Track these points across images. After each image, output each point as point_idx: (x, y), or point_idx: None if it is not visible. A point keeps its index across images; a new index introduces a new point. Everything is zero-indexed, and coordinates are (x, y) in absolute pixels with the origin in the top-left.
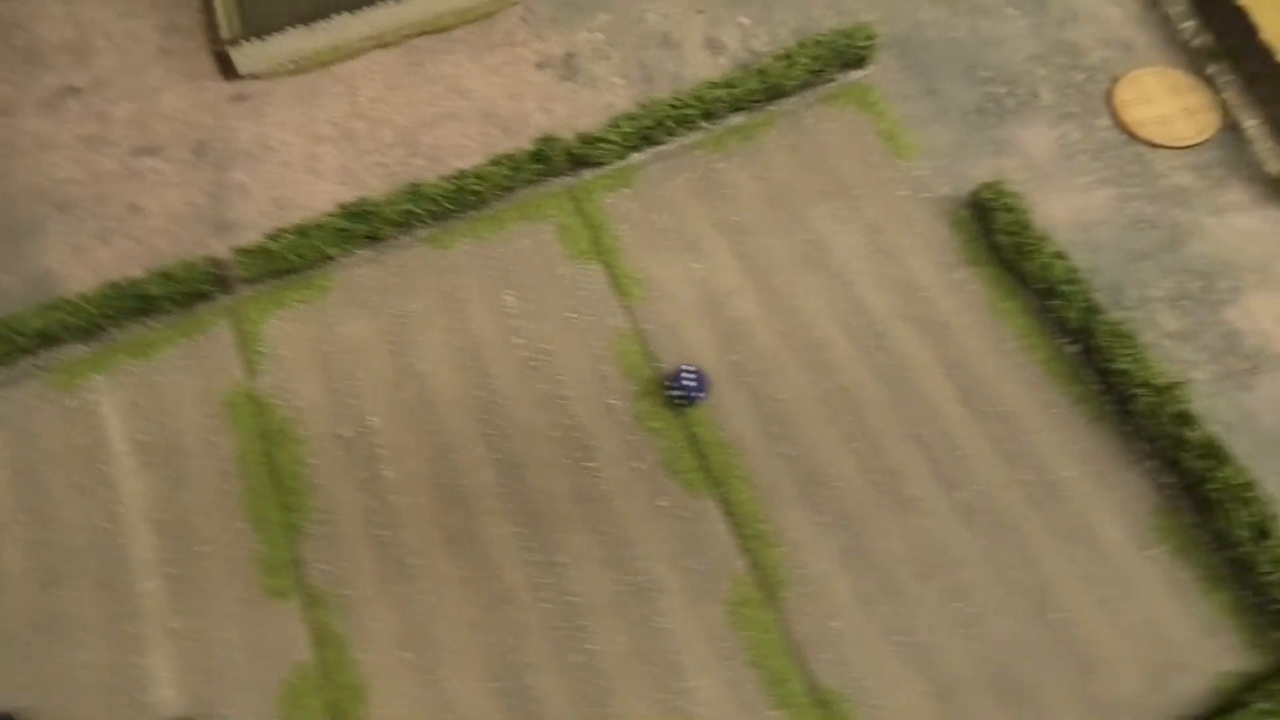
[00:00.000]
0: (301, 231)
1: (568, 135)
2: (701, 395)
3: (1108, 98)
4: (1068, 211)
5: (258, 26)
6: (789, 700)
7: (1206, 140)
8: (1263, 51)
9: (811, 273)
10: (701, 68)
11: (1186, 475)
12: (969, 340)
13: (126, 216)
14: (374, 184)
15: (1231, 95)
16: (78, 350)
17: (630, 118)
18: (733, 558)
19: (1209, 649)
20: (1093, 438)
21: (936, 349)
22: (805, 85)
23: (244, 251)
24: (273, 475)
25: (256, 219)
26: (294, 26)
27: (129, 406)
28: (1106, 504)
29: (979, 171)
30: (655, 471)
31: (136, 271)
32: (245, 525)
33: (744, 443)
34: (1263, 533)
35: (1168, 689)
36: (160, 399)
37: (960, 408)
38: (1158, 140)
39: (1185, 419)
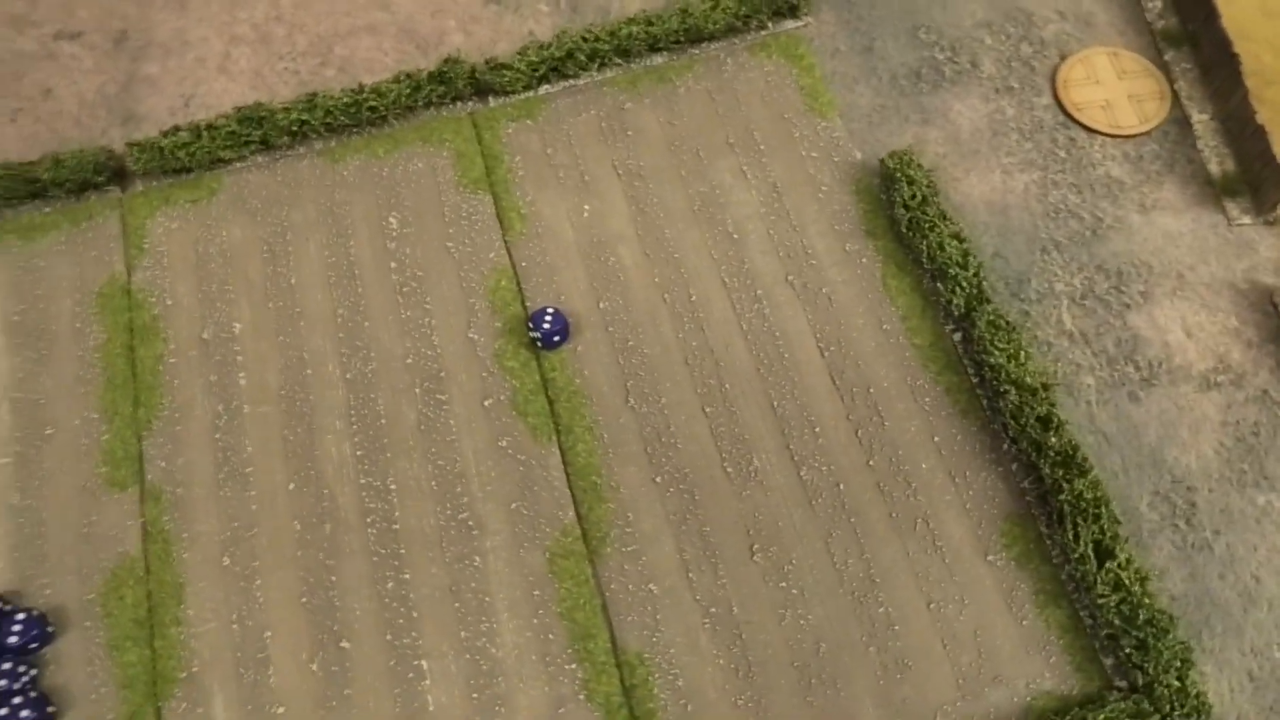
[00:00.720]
0: (195, 131)
1: (478, 59)
2: (561, 340)
3: (1053, 75)
4: (985, 191)
5: None
6: (591, 657)
7: (1150, 130)
8: (1221, 39)
9: (703, 227)
10: (631, 3)
11: (1042, 483)
12: (850, 315)
13: (37, 99)
14: (282, 90)
15: (1185, 85)
16: None
17: (541, 47)
18: (563, 507)
19: (1031, 666)
20: (956, 431)
21: (815, 320)
22: (732, 30)
23: (137, 146)
24: (132, 369)
25: (163, 114)
26: None
27: (8, 286)
28: (957, 502)
29: (898, 139)
30: (503, 411)
31: (38, 153)
32: (96, 415)
33: (597, 392)
34: (1105, 553)
35: (980, 701)
36: (39, 282)
37: (826, 383)
38: (1097, 125)
39: (1049, 423)
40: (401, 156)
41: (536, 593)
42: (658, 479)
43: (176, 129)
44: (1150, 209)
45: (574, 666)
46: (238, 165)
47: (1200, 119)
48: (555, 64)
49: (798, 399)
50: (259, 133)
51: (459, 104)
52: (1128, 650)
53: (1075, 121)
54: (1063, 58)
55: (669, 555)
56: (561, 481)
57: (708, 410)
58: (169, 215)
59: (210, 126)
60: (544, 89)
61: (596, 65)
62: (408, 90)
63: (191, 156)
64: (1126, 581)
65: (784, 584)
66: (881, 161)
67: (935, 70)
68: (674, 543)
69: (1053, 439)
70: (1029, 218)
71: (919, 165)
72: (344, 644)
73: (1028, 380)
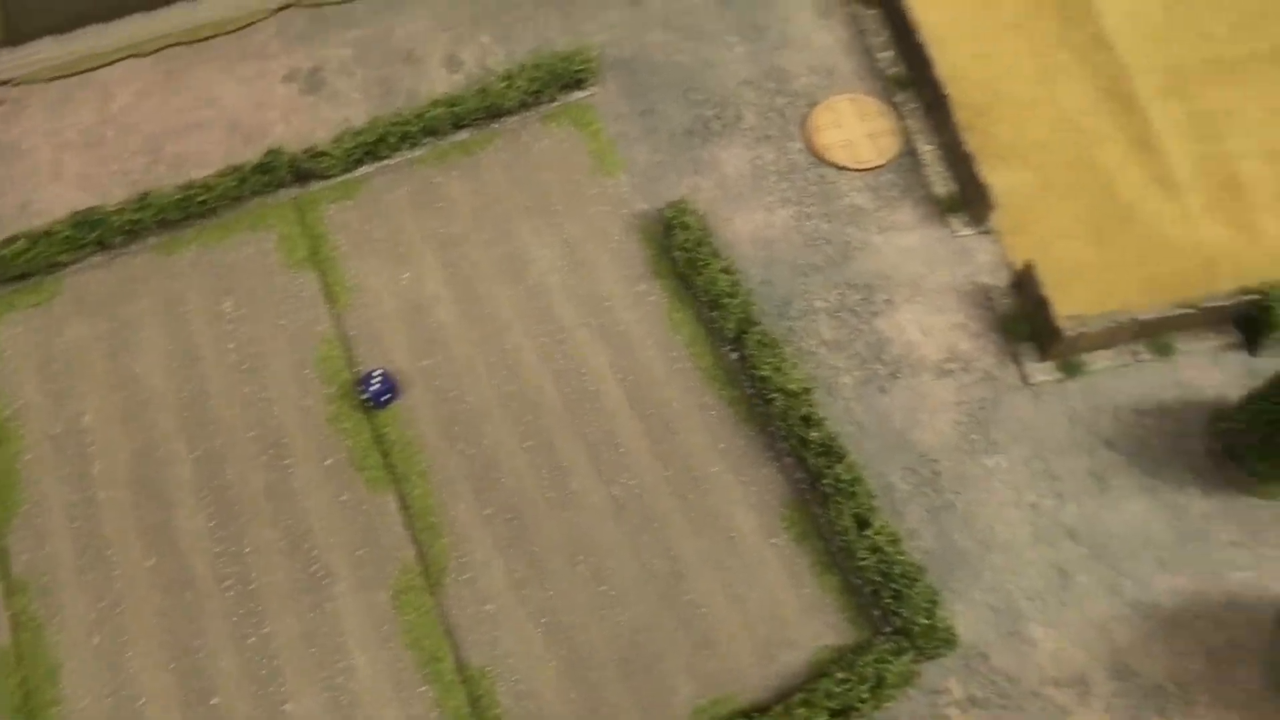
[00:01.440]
0: (32, 239)
1: (300, 148)
2: (390, 397)
3: (804, 122)
4: (751, 228)
5: (16, 34)
6: (440, 677)
7: (885, 163)
8: (936, 82)
9: (510, 283)
10: (438, 84)
11: (809, 471)
12: (642, 348)
13: None
14: (115, 191)
15: (913, 122)
16: None
17: (356, 133)
18: (403, 548)
19: (814, 626)
20: (738, 437)
21: (613, 355)
22: (526, 104)
23: None
24: None
25: (0, 223)
26: (52, 34)
27: None
28: (743, 497)
29: (677, 189)
30: (342, 468)
31: None
32: None
33: (427, 441)
34: (863, 523)
35: (775, 663)
36: None
37: (627, 409)
38: (842, 162)
39: (810, 421)
40: (232, 244)
41: (385, 627)
42: (487, 511)
43: (14, 238)
44: (889, 230)
45: (425, 688)
46: (76, 267)
47: (926, 149)
48: (369, 147)
49: (603, 426)
50: (94, 234)
51: (283, 190)
52: (887, 600)
53: (824, 161)
54: (811, 106)
55: (502, 577)
56: (400, 525)
57: (526, 445)
58: (12, 321)
59: (47, 233)
60: (361, 170)
61: (407, 145)
62: (234, 182)
63: (30, 263)
64: (881, 544)
65: (603, 588)
66: (661, 211)
67: (705, 126)
68: (505, 565)
69: (814, 434)
70: (789, 247)
71: (693, 211)
72: (214, 700)
73: (791, 387)
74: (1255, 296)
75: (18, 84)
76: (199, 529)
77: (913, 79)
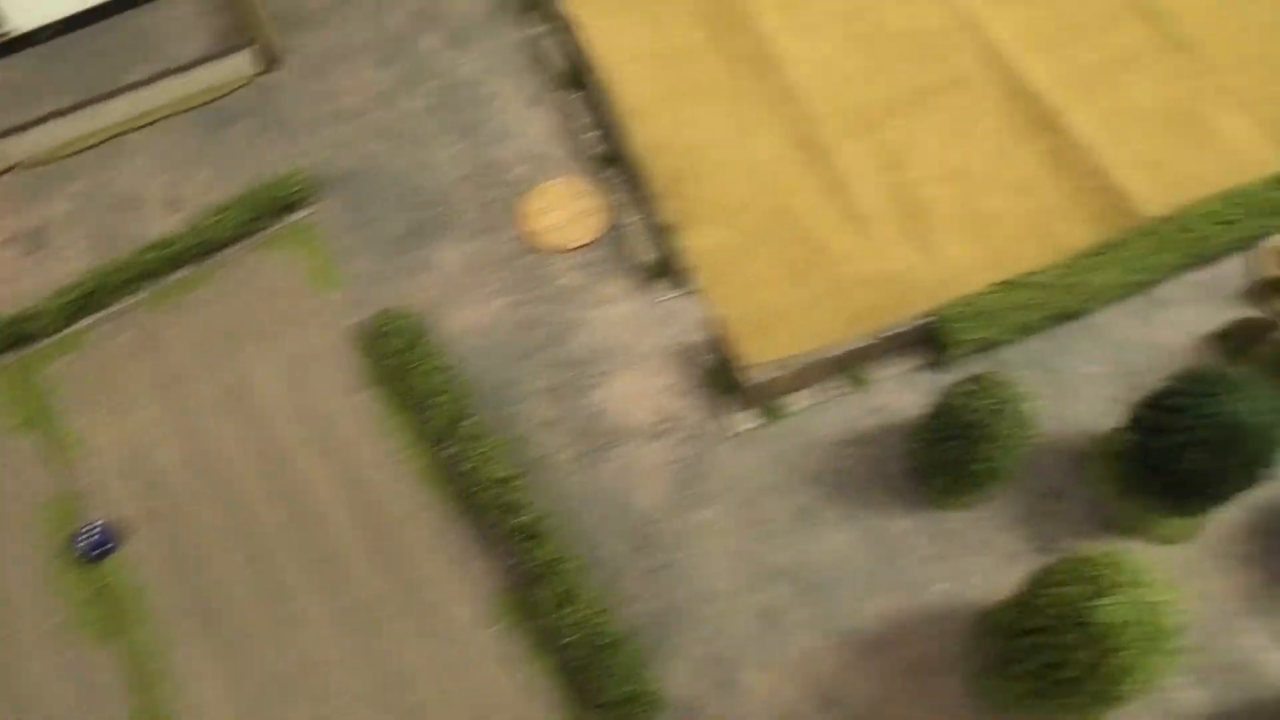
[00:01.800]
0: None
1: (18, 309)
2: (110, 547)
3: (518, 210)
4: (469, 321)
5: None
6: None
7: (595, 241)
8: (634, 157)
9: (232, 414)
10: (161, 225)
11: (519, 556)
12: (361, 456)
13: None
14: None
15: (620, 196)
16: None
17: (71, 287)
18: (123, 699)
19: (531, 711)
20: (454, 533)
21: (334, 469)
22: (243, 234)
23: None
24: None
25: None
26: None
27: None
28: (460, 591)
29: (396, 294)
30: (65, 626)
31: None
32: None
33: (153, 585)
34: (565, 601)
35: None
36: None
37: (348, 520)
38: (553, 245)
39: (513, 507)
40: None
41: None
42: (212, 645)
43: None
44: (600, 304)
45: None
46: None
47: (632, 222)
48: (85, 300)
49: (325, 542)
50: None
51: (4, 355)
52: (594, 673)
53: (537, 246)
54: (526, 194)
55: (229, 713)
56: (122, 676)
57: (251, 573)
58: None
59: None
60: (82, 322)
61: (127, 292)
62: None
63: None
64: (586, 618)
65: (327, 708)
66: (373, 319)
67: (423, 228)
68: (231, 701)
69: (518, 519)
70: (504, 335)
71: (403, 316)
72: None
73: (498, 475)
74: (931, 318)
75: None
76: None
77: (616, 155)
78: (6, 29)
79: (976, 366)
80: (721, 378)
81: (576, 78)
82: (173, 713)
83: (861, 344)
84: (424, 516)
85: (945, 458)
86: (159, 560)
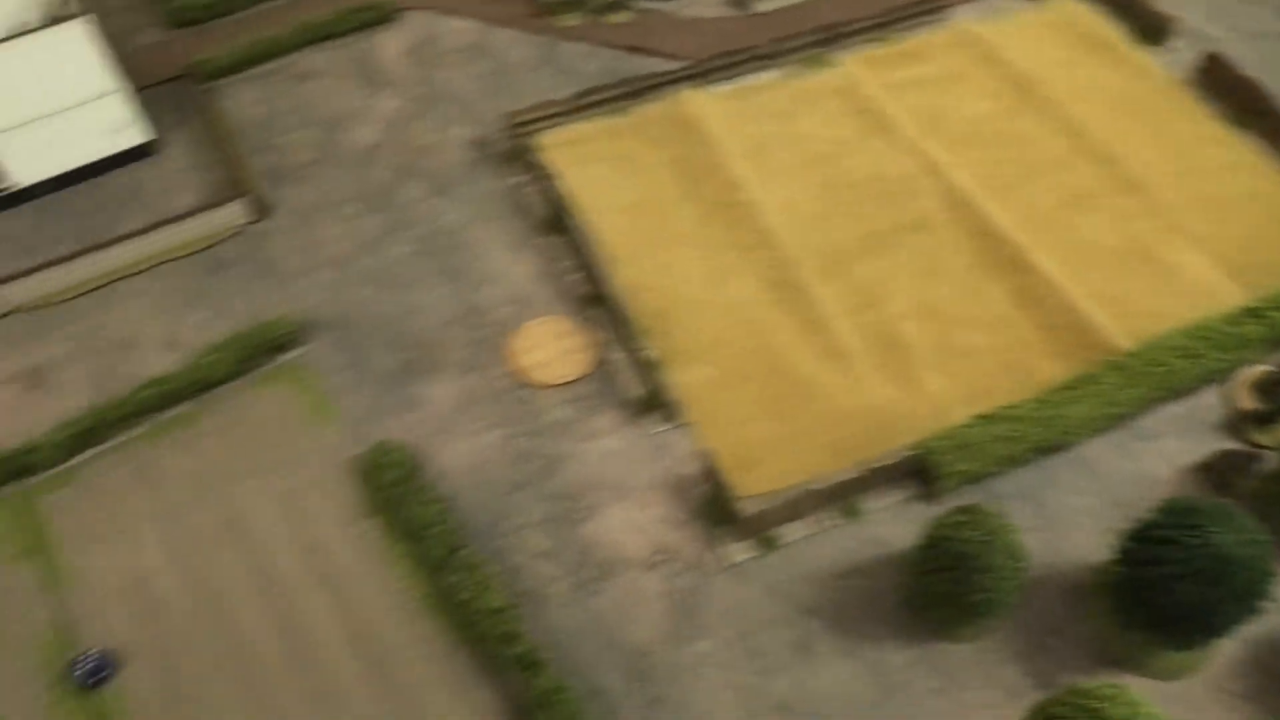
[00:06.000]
0: None
1: (18, 444)
2: (106, 675)
3: (505, 349)
4: (461, 456)
5: None
6: None
7: (582, 377)
8: (616, 297)
9: (230, 545)
10: (158, 364)
11: (518, 686)
12: (361, 587)
13: None
14: None
15: (604, 334)
16: None
17: (70, 423)
18: None
19: None
20: (455, 662)
21: (333, 599)
22: (238, 373)
23: None
24: None
25: None
26: None
27: None
28: None
29: (391, 429)
30: None
31: None
32: None
33: (149, 715)
34: None
35: None
36: None
37: (347, 652)
38: (543, 381)
39: (509, 638)
40: None
41: None
42: None
43: None
44: (590, 438)
45: None
46: None
47: (618, 358)
48: (85, 435)
49: (324, 673)
50: None
51: (3, 488)
52: None
53: (526, 382)
54: (511, 333)
55: None
56: None
57: (248, 706)
58: None
59: None
60: (81, 456)
61: (125, 427)
62: None
63: None
64: None
65: None
66: (368, 453)
67: (413, 367)
68: None
69: (514, 649)
70: (497, 469)
71: (398, 448)
72: None
73: (492, 605)
74: (917, 451)
75: None
76: None
77: (599, 296)
78: (7, 184)
79: (967, 498)
80: (715, 509)
81: (557, 223)
82: None
83: (851, 476)
84: (423, 646)
85: (939, 589)
86: (156, 689)
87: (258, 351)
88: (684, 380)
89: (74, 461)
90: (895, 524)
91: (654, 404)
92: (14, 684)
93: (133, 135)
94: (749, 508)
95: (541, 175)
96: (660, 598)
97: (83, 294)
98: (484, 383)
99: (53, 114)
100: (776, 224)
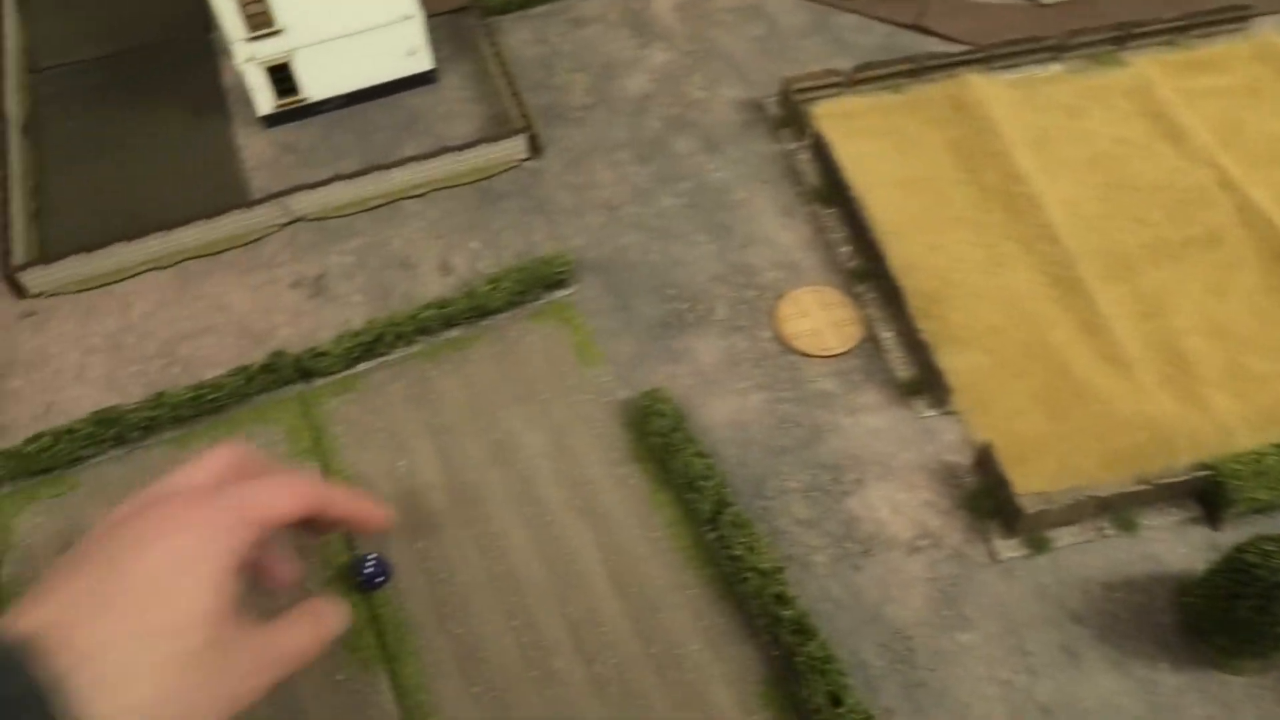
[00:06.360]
0: (55, 436)
1: (304, 348)
2: (383, 580)
3: (772, 313)
4: (726, 412)
5: (49, 253)
6: None
7: (849, 350)
8: (892, 276)
9: (500, 469)
10: (432, 286)
11: (784, 649)
12: (624, 528)
13: None
14: (133, 390)
15: (873, 311)
16: None
17: (354, 334)
18: None
19: None
20: (715, 615)
21: (596, 536)
22: (512, 304)
23: (3, 454)
24: None
25: (26, 422)
26: (79, 254)
27: None
28: (721, 674)
29: (655, 377)
30: (336, 648)
31: None
32: None
33: (417, 622)
34: (836, 700)
35: None
36: None
37: (609, 588)
38: (809, 350)
39: (782, 599)
40: (240, 438)
41: None
42: (474, 690)
43: (39, 436)
44: (856, 412)
45: None
46: (95, 461)
47: (886, 336)
48: (367, 347)
49: (585, 605)
50: (113, 431)
51: (288, 387)
52: None
53: (792, 349)
54: (778, 298)
55: None
56: (391, 703)
57: (513, 624)
58: (34, 511)
59: (69, 431)
60: (360, 367)
61: (402, 343)
62: (242, 381)
63: (53, 458)
64: None
65: None
66: (639, 399)
67: (679, 319)
68: None
69: (786, 612)
70: (762, 430)
71: (668, 399)
72: None
73: (763, 566)
74: (1208, 472)
75: (48, 296)
76: None
77: (870, 271)
78: (301, 96)
79: (1254, 527)
80: (983, 501)
81: (829, 193)
82: None
83: (1130, 489)
84: (684, 595)
85: (1232, 617)
86: (424, 600)
87: (533, 286)
88: (955, 366)
89: (354, 370)
90: (1173, 543)
91: (922, 387)
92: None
93: (421, 61)
94: (1022, 505)
95: (815, 143)
96: (923, 582)
97: (364, 210)
98: (749, 344)
99: (354, 34)
100: (1057, 219)
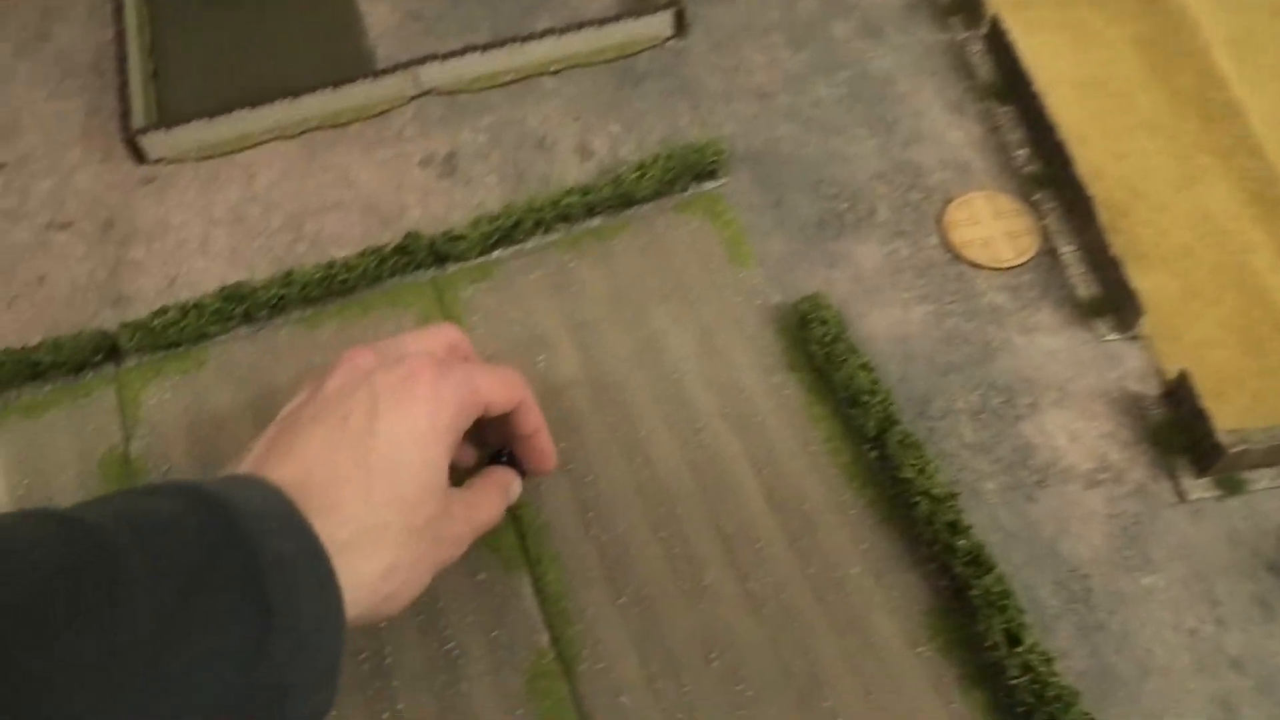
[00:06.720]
0: (183, 310)
1: (436, 230)
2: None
3: (939, 217)
4: (888, 324)
5: (168, 117)
6: None
7: (1025, 263)
8: (1077, 182)
9: (645, 368)
10: (570, 171)
11: (956, 580)
12: (779, 440)
13: (33, 285)
14: (259, 265)
15: (1052, 221)
16: None
17: (492, 218)
18: (537, 632)
19: None
20: (878, 538)
21: (748, 446)
22: (658, 194)
23: (130, 326)
24: None
25: (150, 294)
26: (201, 118)
27: (13, 461)
28: (884, 601)
29: (810, 281)
30: (477, 547)
31: (36, 337)
32: None
33: (561, 525)
34: (1014, 639)
35: None
36: (44, 457)
37: (763, 503)
38: (979, 260)
39: (957, 528)
40: (371, 321)
41: (519, 712)
42: (620, 600)
43: (165, 309)
44: (1031, 331)
45: None
46: (222, 338)
47: (1066, 250)
48: (504, 232)
49: (739, 518)
50: (241, 308)
51: (421, 271)
52: None
53: (960, 258)
54: (946, 202)
55: (635, 669)
56: (534, 608)
57: (660, 535)
58: (161, 387)
59: (197, 305)
60: (496, 253)
61: (541, 230)
62: (374, 262)
63: (180, 333)
64: (1034, 664)
65: (739, 686)
66: (796, 304)
67: (837, 219)
68: (639, 657)
69: (961, 541)
70: (928, 345)
71: (828, 305)
72: None
73: (935, 490)
74: None
75: (168, 163)
76: None
77: (1051, 177)
78: None
79: None
80: (1171, 436)
81: (1004, 89)
82: (583, 655)
83: None
84: (846, 516)
85: None
86: (566, 502)
87: (682, 175)
88: (1142, 288)
89: (490, 257)
90: None
91: (1105, 308)
92: None
93: None
94: (1216, 443)
95: (990, 33)
96: (1103, 519)
97: (497, 86)
98: (913, 250)
99: None
100: (1261, 131)
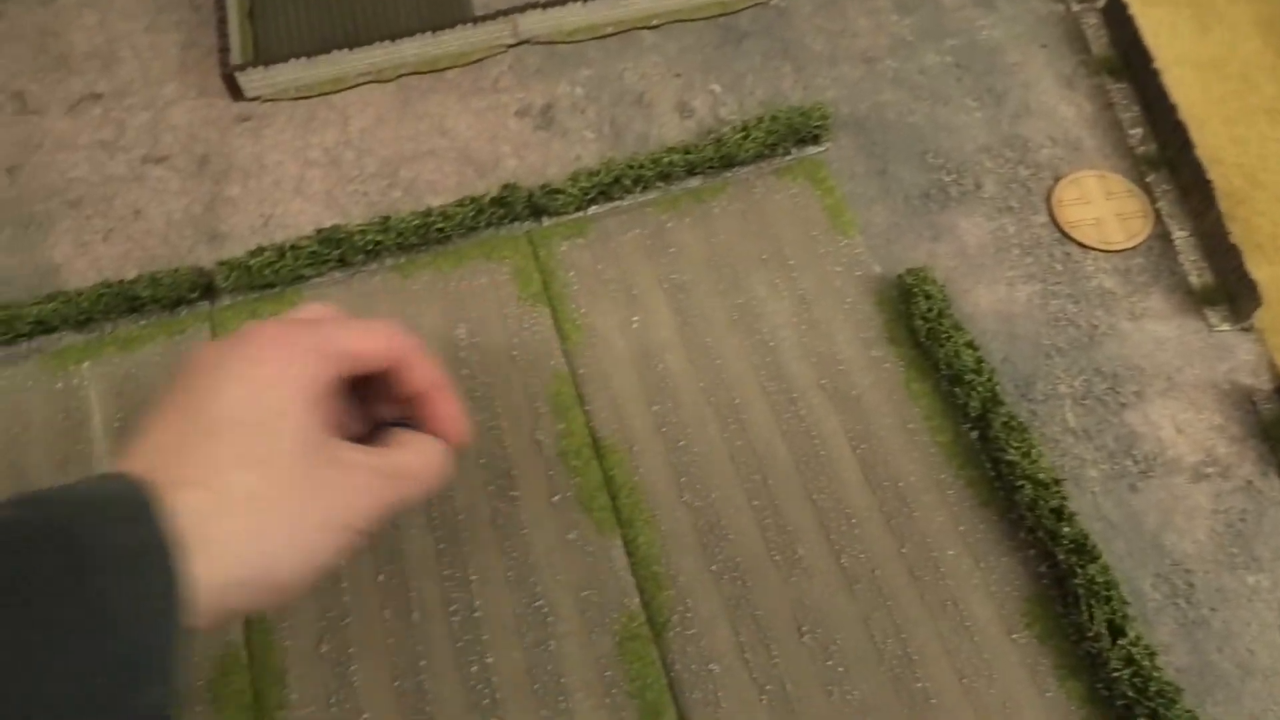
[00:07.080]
0: (280, 251)
1: (532, 183)
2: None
3: (1048, 195)
4: (992, 301)
5: (266, 55)
6: None
7: (1136, 246)
8: (1196, 165)
9: (741, 335)
10: (669, 129)
11: (1058, 567)
12: (878, 415)
13: (129, 219)
14: (353, 210)
15: (1166, 205)
16: (72, 339)
17: (591, 174)
18: (628, 594)
19: None
20: (977, 520)
21: (845, 420)
22: (760, 156)
23: (226, 265)
24: None
25: (245, 233)
26: (298, 58)
27: (111, 395)
28: (981, 585)
29: (913, 254)
30: (570, 506)
31: (132, 271)
32: None
33: (653, 488)
34: (1117, 631)
35: None
36: (138, 391)
37: (859, 478)
38: (1089, 241)
39: (1061, 514)
40: (466, 272)
41: (608, 673)
42: (713, 567)
43: (262, 249)
44: (1139, 317)
45: None
46: (316, 281)
47: (1180, 235)
48: (603, 188)
49: (834, 493)
50: (337, 252)
51: (516, 224)
52: (1140, 719)
53: (1069, 238)
54: (1056, 179)
55: (726, 637)
56: (626, 570)
57: (754, 504)
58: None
59: (294, 247)
60: (592, 210)
61: (639, 188)
62: (471, 213)
63: (276, 274)
64: (1137, 657)
65: (830, 662)
66: (900, 277)
67: (943, 191)
68: (730, 626)
69: (1066, 529)
70: (1032, 326)
71: (933, 280)
72: None
73: (1040, 475)
74: None
75: (265, 101)
76: (426, 550)
77: (1166, 159)
78: None
79: None
80: None
81: (1119, 65)
82: (674, 620)
83: None
84: (945, 496)
85: None
86: (660, 466)
87: (785, 138)
88: (1259, 278)
89: (586, 213)
90: None
91: (1219, 297)
92: (528, 426)
93: None
94: None
95: (1107, 6)
96: (1208, 514)
97: (596, 38)
98: (1020, 227)
99: None
100: None
